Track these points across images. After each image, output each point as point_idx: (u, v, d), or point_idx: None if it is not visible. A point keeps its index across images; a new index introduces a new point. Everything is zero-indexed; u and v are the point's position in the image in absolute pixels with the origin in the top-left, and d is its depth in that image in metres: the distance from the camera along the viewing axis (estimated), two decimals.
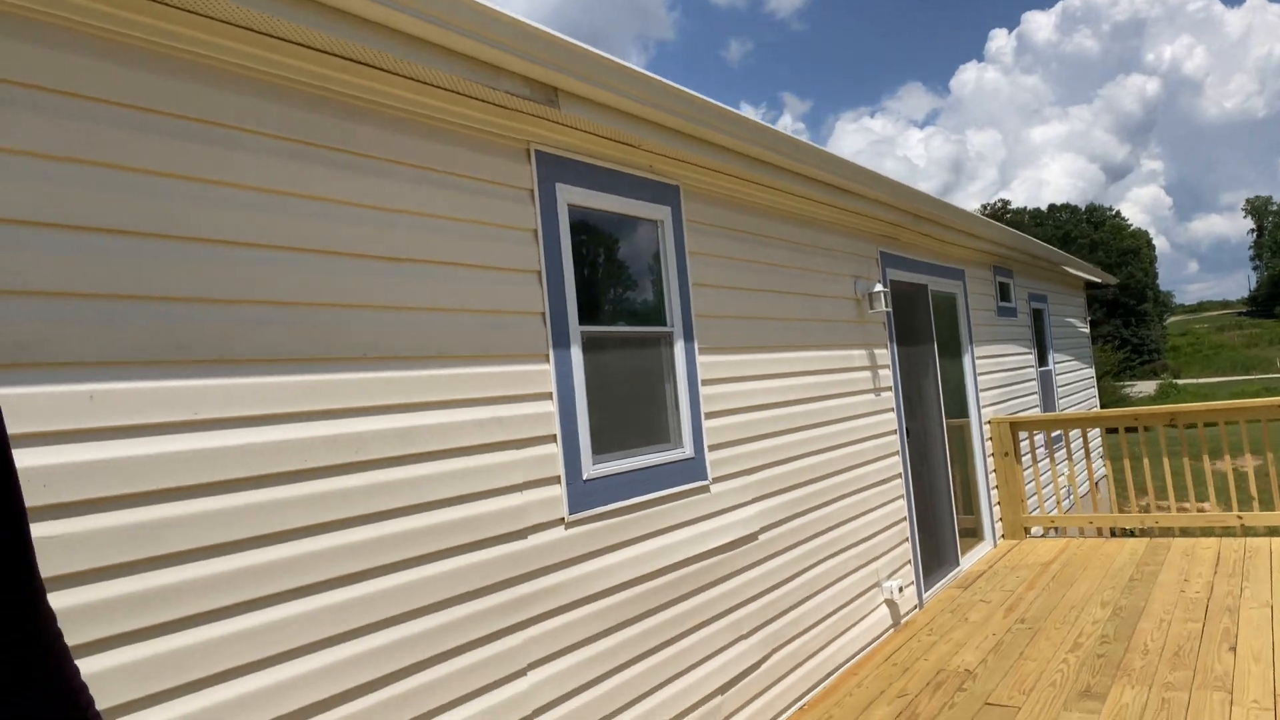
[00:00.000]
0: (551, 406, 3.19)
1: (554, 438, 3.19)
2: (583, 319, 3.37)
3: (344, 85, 2.59)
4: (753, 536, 4.28)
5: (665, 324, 3.87)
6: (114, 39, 2.09)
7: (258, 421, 2.31)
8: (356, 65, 2.61)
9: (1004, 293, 9.01)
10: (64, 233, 1.97)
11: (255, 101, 2.37)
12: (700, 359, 4.03)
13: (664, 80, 3.46)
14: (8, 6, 1.92)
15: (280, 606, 2.29)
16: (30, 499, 1.84)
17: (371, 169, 2.66)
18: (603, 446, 3.42)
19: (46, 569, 1.85)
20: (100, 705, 1.91)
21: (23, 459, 1.84)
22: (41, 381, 1.90)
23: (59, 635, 0.72)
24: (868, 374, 5.73)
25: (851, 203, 5.40)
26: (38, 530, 1.86)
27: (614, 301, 3.71)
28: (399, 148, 2.75)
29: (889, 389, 6.02)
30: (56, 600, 1.87)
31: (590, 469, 3.29)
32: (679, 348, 3.90)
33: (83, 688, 0.73)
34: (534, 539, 3.04)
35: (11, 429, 1.83)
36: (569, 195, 3.36)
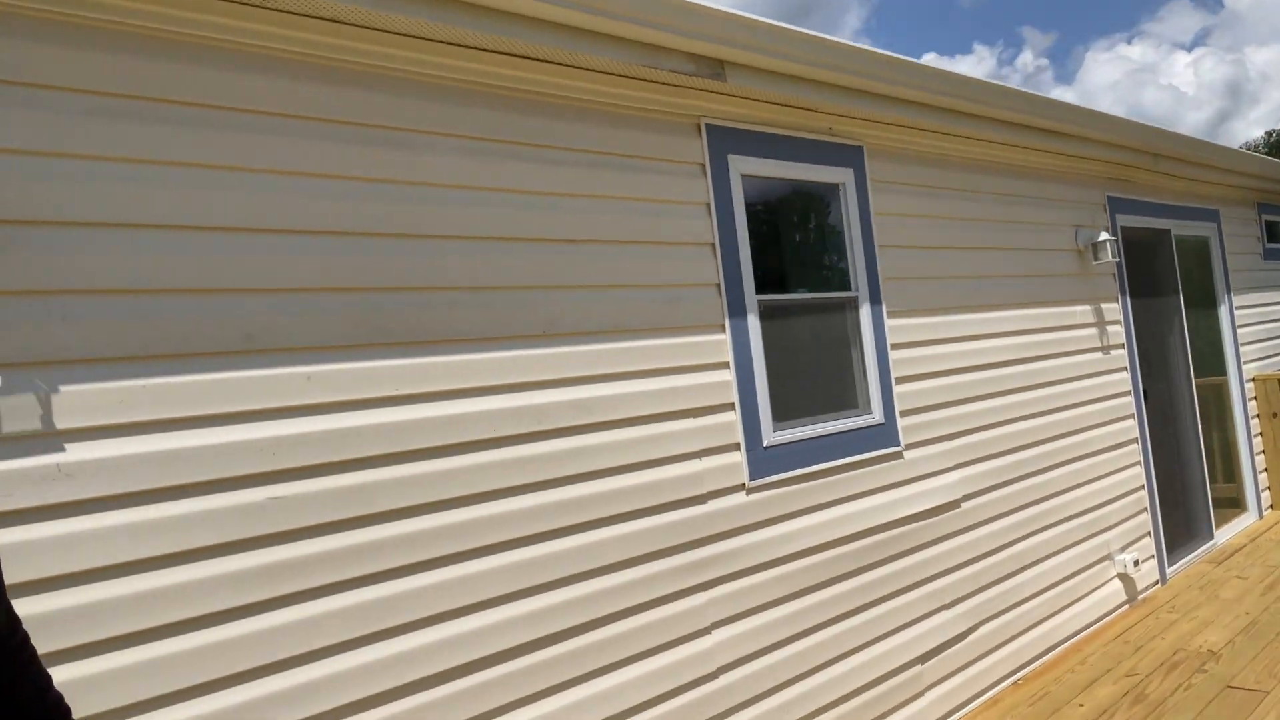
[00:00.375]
0: (729, 375, 3.26)
1: (732, 406, 3.26)
2: (760, 288, 3.41)
3: (514, 81, 2.78)
4: (954, 504, 4.14)
5: (849, 288, 3.81)
6: (313, 61, 2.38)
7: (449, 395, 2.56)
8: (524, 61, 2.79)
9: (1272, 232, 7.94)
10: (282, 236, 2.29)
11: (437, 106, 2.61)
12: (889, 322, 3.93)
13: (835, 39, 3.39)
14: (244, 45, 2.24)
15: (473, 562, 2.54)
16: (259, 466, 2.18)
17: (543, 157, 2.83)
18: (784, 413, 3.45)
19: (274, 525, 2.19)
20: (321, 644, 2.23)
21: (251, 433, 2.18)
22: (266, 365, 2.23)
23: (25, 640, 0.69)
24: (1093, 331, 5.31)
25: (1068, 146, 5.00)
26: (272, 492, 2.20)
27: (793, 269, 3.71)
28: (568, 135, 2.91)
29: (1120, 346, 5.54)
30: (286, 552, 2.20)
31: (770, 436, 3.34)
32: (865, 312, 3.83)
33: (58, 699, 0.70)
34: (713, 504, 3.14)
35: (238, 407, 2.17)
36: (742, 166, 3.39)
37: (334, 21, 2.38)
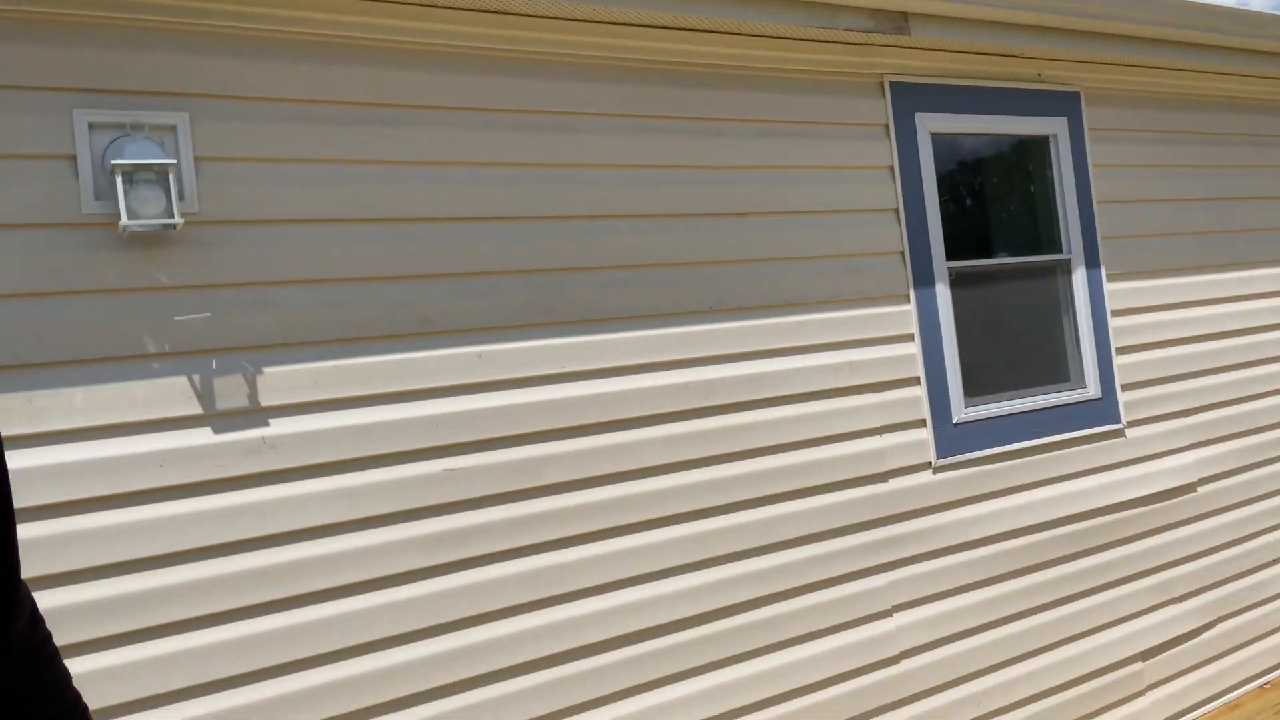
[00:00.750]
0: (914, 348, 3.09)
1: (917, 380, 3.09)
2: (951, 254, 3.19)
3: (674, 55, 2.75)
4: (1188, 488, 3.71)
5: (1060, 250, 3.48)
6: (476, 53, 2.48)
7: (615, 372, 2.61)
8: (685, 33, 2.75)
9: None
10: (453, 224, 2.42)
11: (597, 87, 2.63)
12: (1109, 286, 3.55)
13: None
14: (412, 45, 2.38)
15: (644, 534, 2.59)
16: (436, 440, 2.33)
17: (708, 130, 2.79)
18: (978, 388, 3.22)
19: (450, 495, 2.34)
20: (494, 607, 2.37)
21: (428, 409, 2.34)
22: (441, 346, 2.38)
23: (48, 639, 0.67)
24: None
25: None
26: (448, 464, 2.35)
27: (991, 232, 3.44)
28: (734, 105, 2.84)
29: None
30: (461, 520, 2.35)
31: (961, 412, 3.14)
32: (1079, 276, 3.48)
33: (76, 698, 0.69)
34: (895, 483, 3.01)
35: (417, 385, 2.33)
36: (931, 124, 3.17)
37: (499, 13, 2.46)
